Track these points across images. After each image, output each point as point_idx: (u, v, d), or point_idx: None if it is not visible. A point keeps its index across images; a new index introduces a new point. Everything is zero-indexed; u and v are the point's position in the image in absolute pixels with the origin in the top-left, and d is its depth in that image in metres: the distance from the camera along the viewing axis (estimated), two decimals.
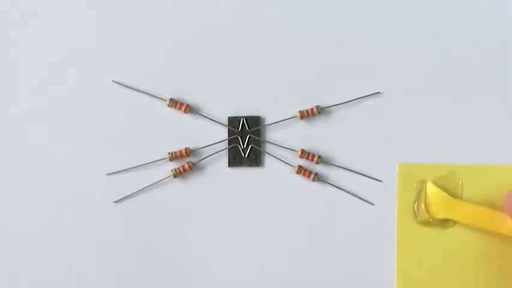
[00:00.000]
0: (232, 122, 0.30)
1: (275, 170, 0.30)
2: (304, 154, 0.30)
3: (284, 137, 0.30)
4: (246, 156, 0.30)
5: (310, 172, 0.30)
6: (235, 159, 0.30)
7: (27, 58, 0.31)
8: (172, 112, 0.30)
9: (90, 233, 0.30)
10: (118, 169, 0.30)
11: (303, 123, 0.30)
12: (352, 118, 0.30)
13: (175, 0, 0.31)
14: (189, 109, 0.30)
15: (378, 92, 0.30)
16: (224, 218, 0.30)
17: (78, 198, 0.30)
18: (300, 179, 0.30)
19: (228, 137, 0.30)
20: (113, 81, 0.30)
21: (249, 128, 0.30)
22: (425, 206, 0.29)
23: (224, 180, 0.30)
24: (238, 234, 0.30)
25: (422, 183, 0.29)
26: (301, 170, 0.30)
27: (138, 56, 0.31)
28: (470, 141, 0.30)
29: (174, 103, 0.30)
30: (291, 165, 0.30)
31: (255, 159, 0.30)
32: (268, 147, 0.30)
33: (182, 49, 0.31)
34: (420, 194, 0.29)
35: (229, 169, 0.30)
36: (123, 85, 0.30)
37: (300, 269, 0.30)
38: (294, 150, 0.30)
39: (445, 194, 0.28)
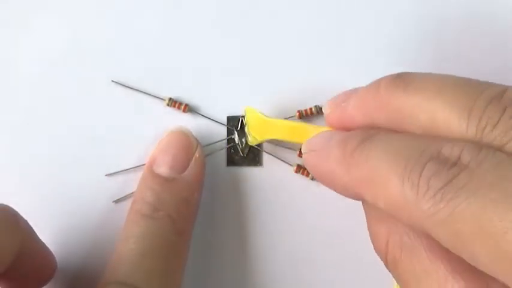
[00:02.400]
0: (232, 121, 0.30)
1: (274, 169, 0.30)
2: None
3: None
4: (245, 155, 0.30)
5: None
6: (234, 159, 0.30)
7: (26, 58, 0.31)
8: (172, 112, 0.30)
9: (90, 233, 0.30)
10: (118, 169, 0.30)
11: None
12: None
13: (174, 0, 0.31)
14: (188, 108, 0.30)
15: None
16: (223, 217, 0.30)
17: (78, 198, 0.30)
18: (299, 178, 0.30)
19: (227, 136, 0.30)
20: (112, 81, 0.30)
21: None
22: (248, 131, 0.29)
23: (223, 179, 0.30)
24: (237, 233, 0.30)
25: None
26: (300, 169, 0.30)
27: (137, 55, 0.31)
28: None
29: (173, 103, 0.30)
30: (290, 165, 0.30)
31: (253, 158, 0.30)
32: (267, 147, 0.30)
33: (181, 49, 0.31)
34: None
35: (228, 168, 0.30)
36: (122, 85, 0.30)
37: (299, 268, 0.30)
38: (293, 149, 0.30)
39: (262, 115, 0.28)
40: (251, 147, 0.30)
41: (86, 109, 0.30)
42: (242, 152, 0.30)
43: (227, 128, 0.30)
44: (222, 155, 0.30)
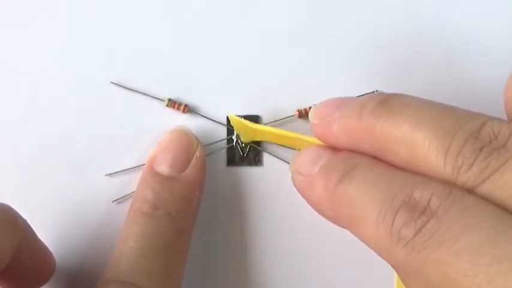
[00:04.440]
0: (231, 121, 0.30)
1: (274, 169, 0.30)
2: None
3: None
4: (245, 155, 0.30)
5: None
6: (234, 158, 0.30)
7: (26, 59, 0.31)
8: (171, 112, 0.30)
9: (90, 233, 0.30)
10: (118, 169, 0.30)
11: (301, 122, 0.30)
12: None
13: (173, 0, 0.31)
14: (188, 109, 0.30)
15: (376, 91, 0.30)
16: (223, 217, 0.30)
17: (78, 198, 0.30)
18: None
19: (227, 136, 0.30)
20: (111, 82, 0.30)
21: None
22: (238, 133, 0.30)
23: (223, 179, 0.30)
24: (237, 233, 0.30)
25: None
26: None
27: (137, 56, 0.31)
28: None
29: (172, 103, 0.30)
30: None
31: (254, 158, 0.30)
32: (267, 146, 0.30)
33: (180, 49, 0.31)
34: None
35: (228, 168, 0.30)
36: (121, 86, 0.30)
37: (299, 268, 0.30)
38: (293, 149, 0.30)
39: (245, 121, 0.28)
40: (251, 147, 0.30)
41: (86, 109, 0.30)
42: (242, 152, 0.30)
43: (227, 128, 0.30)
44: (222, 155, 0.30)
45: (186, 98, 0.30)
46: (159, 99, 0.30)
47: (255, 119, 0.30)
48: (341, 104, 0.23)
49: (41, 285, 0.27)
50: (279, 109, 0.30)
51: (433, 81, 0.30)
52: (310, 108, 0.30)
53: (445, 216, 0.18)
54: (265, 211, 0.30)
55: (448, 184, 0.19)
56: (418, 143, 0.19)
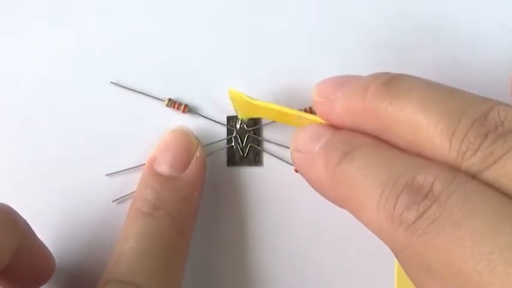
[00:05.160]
0: (232, 121, 0.30)
1: (274, 169, 0.30)
2: None
3: (283, 135, 0.30)
4: (245, 155, 0.30)
5: None
6: (234, 159, 0.30)
7: (26, 59, 0.31)
8: (171, 112, 0.30)
9: (90, 233, 0.30)
10: (118, 169, 0.30)
11: None
12: None
13: (173, 0, 0.31)
14: (188, 109, 0.30)
15: None
16: (223, 217, 0.30)
17: (78, 198, 0.30)
18: (299, 178, 0.30)
19: (227, 136, 0.30)
20: (111, 82, 0.30)
21: (248, 127, 0.30)
22: (235, 108, 0.29)
23: (223, 179, 0.30)
24: (237, 233, 0.30)
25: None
26: None
27: (136, 56, 0.31)
28: None
29: (172, 103, 0.30)
30: (290, 164, 0.30)
31: (254, 158, 0.30)
32: (267, 146, 0.30)
33: (180, 49, 0.31)
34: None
35: (228, 168, 0.30)
36: (121, 86, 0.30)
37: (299, 268, 0.30)
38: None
39: (246, 96, 0.28)
40: (251, 146, 0.30)
41: (86, 110, 0.30)
42: (242, 152, 0.30)
43: (227, 128, 0.30)
44: (222, 155, 0.30)
45: (186, 98, 0.30)
46: (159, 99, 0.30)
47: (255, 118, 0.30)
48: (345, 81, 0.23)
49: (41, 285, 0.27)
50: None
51: (433, 80, 0.30)
52: (310, 108, 0.30)
53: (448, 201, 0.17)
54: (265, 211, 0.30)
55: (452, 169, 0.18)
56: (423, 126, 0.19)
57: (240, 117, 0.29)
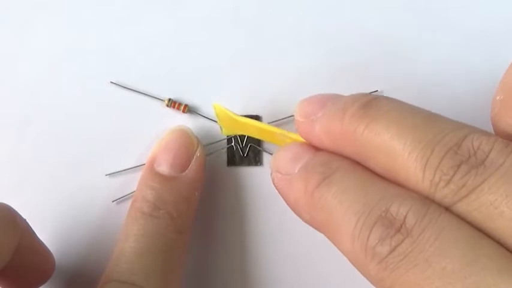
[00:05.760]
0: None
1: None
2: None
3: None
4: (245, 155, 0.30)
5: None
6: (234, 158, 0.30)
7: (26, 59, 0.31)
8: (171, 112, 0.30)
9: (90, 233, 0.30)
10: (118, 169, 0.30)
11: None
12: None
13: (173, 0, 0.31)
14: (188, 109, 0.30)
15: (377, 91, 0.30)
16: (223, 217, 0.30)
17: (78, 198, 0.30)
18: None
19: (227, 136, 0.30)
20: (111, 82, 0.30)
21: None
22: (220, 124, 0.29)
23: (223, 179, 0.30)
24: (237, 233, 0.30)
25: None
26: None
27: (136, 56, 0.31)
28: None
29: (172, 103, 0.30)
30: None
31: (254, 158, 0.30)
32: (267, 146, 0.30)
33: (180, 49, 0.31)
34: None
35: (228, 168, 0.30)
36: (121, 86, 0.30)
37: (299, 268, 0.30)
38: None
39: (231, 112, 0.28)
40: (251, 146, 0.30)
41: (86, 110, 0.30)
42: (242, 152, 0.30)
43: None
44: (222, 155, 0.30)
45: (186, 98, 0.31)
46: (159, 99, 0.30)
47: (254, 118, 0.30)
48: (325, 102, 0.23)
49: (41, 285, 0.27)
50: (279, 109, 0.30)
51: (433, 80, 0.30)
52: None
53: (420, 236, 0.17)
54: (265, 211, 0.30)
55: (426, 201, 0.18)
56: (398, 153, 0.19)
57: (223, 133, 0.29)
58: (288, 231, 0.30)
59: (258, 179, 0.30)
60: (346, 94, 0.30)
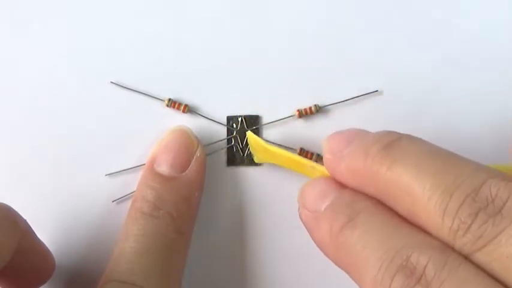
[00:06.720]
0: (231, 121, 0.30)
1: (274, 169, 0.30)
2: (303, 153, 0.30)
3: (283, 135, 0.30)
4: (245, 155, 0.30)
5: None
6: (234, 158, 0.30)
7: (26, 59, 0.31)
8: (171, 112, 0.30)
9: (90, 233, 0.30)
10: (118, 169, 0.30)
11: (301, 122, 0.30)
12: (351, 117, 0.30)
13: (173, 0, 0.31)
14: (188, 109, 0.30)
15: (377, 91, 0.30)
16: (223, 217, 0.30)
17: (78, 198, 0.30)
18: (299, 178, 0.30)
19: (227, 136, 0.30)
20: (111, 82, 0.30)
21: (247, 127, 0.30)
22: (252, 152, 0.30)
23: (223, 179, 0.30)
24: (237, 233, 0.30)
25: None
26: None
27: (136, 56, 0.31)
28: (471, 140, 0.30)
29: (172, 103, 0.30)
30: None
31: (254, 158, 0.30)
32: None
33: (180, 49, 0.31)
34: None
35: (228, 168, 0.30)
36: (121, 86, 0.30)
37: (298, 268, 0.30)
38: (292, 148, 0.30)
39: (263, 141, 0.29)
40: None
41: (86, 110, 0.30)
42: (242, 152, 0.30)
43: (227, 128, 0.30)
44: (222, 155, 0.30)
45: (186, 98, 0.31)
46: (159, 99, 0.30)
47: (254, 118, 0.30)
48: (352, 138, 0.23)
49: (41, 285, 0.27)
50: (279, 109, 0.30)
51: (434, 80, 0.30)
52: (310, 108, 0.30)
53: None
54: (265, 211, 0.30)
55: (446, 250, 0.19)
56: (418, 197, 0.19)
57: (256, 161, 0.30)
58: (288, 231, 0.30)
59: (258, 179, 0.30)
60: (346, 94, 0.30)
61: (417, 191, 0.19)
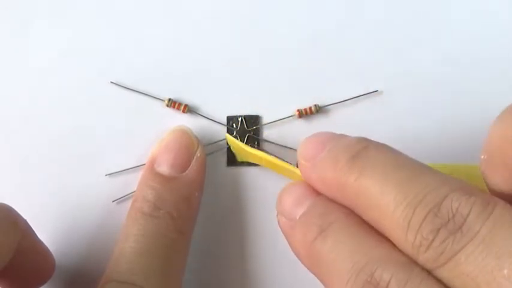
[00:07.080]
0: (231, 121, 0.30)
1: None
2: None
3: (283, 135, 0.30)
4: None
5: None
6: (234, 158, 0.30)
7: (26, 59, 0.31)
8: (171, 112, 0.30)
9: (90, 233, 0.30)
10: (118, 169, 0.30)
11: (301, 122, 0.30)
12: (351, 117, 0.30)
13: (173, 0, 0.31)
14: (188, 109, 0.30)
15: (377, 91, 0.30)
16: (223, 217, 0.30)
17: (78, 198, 0.30)
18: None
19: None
20: (111, 82, 0.30)
21: (247, 127, 0.30)
22: (235, 153, 0.30)
23: (223, 179, 0.30)
24: (237, 233, 0.30)
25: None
26: None
27: (136, 56, 0.31)
28: (471, 140, 0.30)
29: (172, 103, 0.30)
30: (290, 164, 0.30)
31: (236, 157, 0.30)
32: (267, 146, 0.30)
33: (180, 49, 0.31)
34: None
35: (228, 168, 0.30)
36: (121, 86, 0.30)
37: (298, 268, 0.30)
38: (292, 148, 0.30)
39: (240, 143, 0.29)
40: (251, 146, 0.30)
41: (86, 109, 0.31)
42: None
43: (227, 128, 0.30)
44: (222, 155, 0.30)
45: (186, 98, 0.31)
46: (159, 99, 0.30)
47: (254, 118, 0.30)
48: (325, 143, 0.23)
49: (41, 285, 0.27)
50: (279, 109, 0.30)
51: (434, 80, 0.30)
52: (310, 108, 0.30)
53: None
54: (265, 211, 0.30)
55: (409, 265, 0.19)
56: (383, 209, 0.20)
57: (238, 159, 0.30)
58: None
59: (258, 179, 0.30)
60: (345, 94, 0.30)
61: (382, 203, 0.20)
